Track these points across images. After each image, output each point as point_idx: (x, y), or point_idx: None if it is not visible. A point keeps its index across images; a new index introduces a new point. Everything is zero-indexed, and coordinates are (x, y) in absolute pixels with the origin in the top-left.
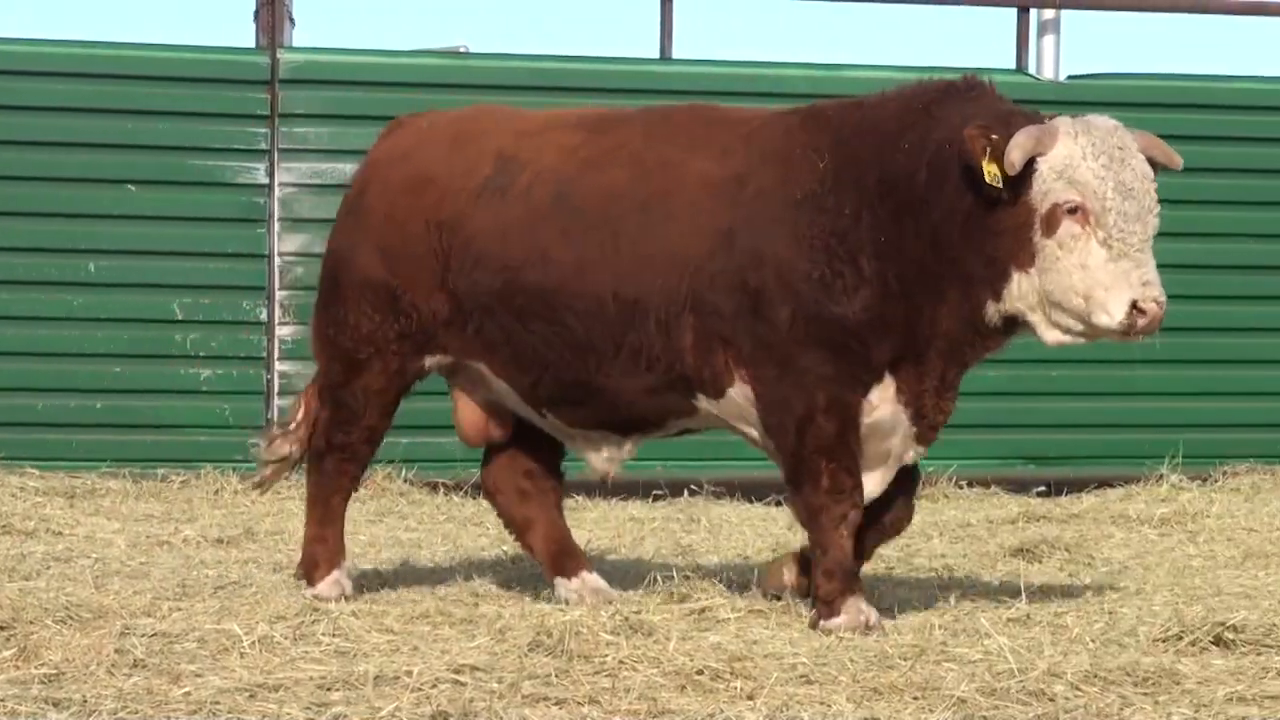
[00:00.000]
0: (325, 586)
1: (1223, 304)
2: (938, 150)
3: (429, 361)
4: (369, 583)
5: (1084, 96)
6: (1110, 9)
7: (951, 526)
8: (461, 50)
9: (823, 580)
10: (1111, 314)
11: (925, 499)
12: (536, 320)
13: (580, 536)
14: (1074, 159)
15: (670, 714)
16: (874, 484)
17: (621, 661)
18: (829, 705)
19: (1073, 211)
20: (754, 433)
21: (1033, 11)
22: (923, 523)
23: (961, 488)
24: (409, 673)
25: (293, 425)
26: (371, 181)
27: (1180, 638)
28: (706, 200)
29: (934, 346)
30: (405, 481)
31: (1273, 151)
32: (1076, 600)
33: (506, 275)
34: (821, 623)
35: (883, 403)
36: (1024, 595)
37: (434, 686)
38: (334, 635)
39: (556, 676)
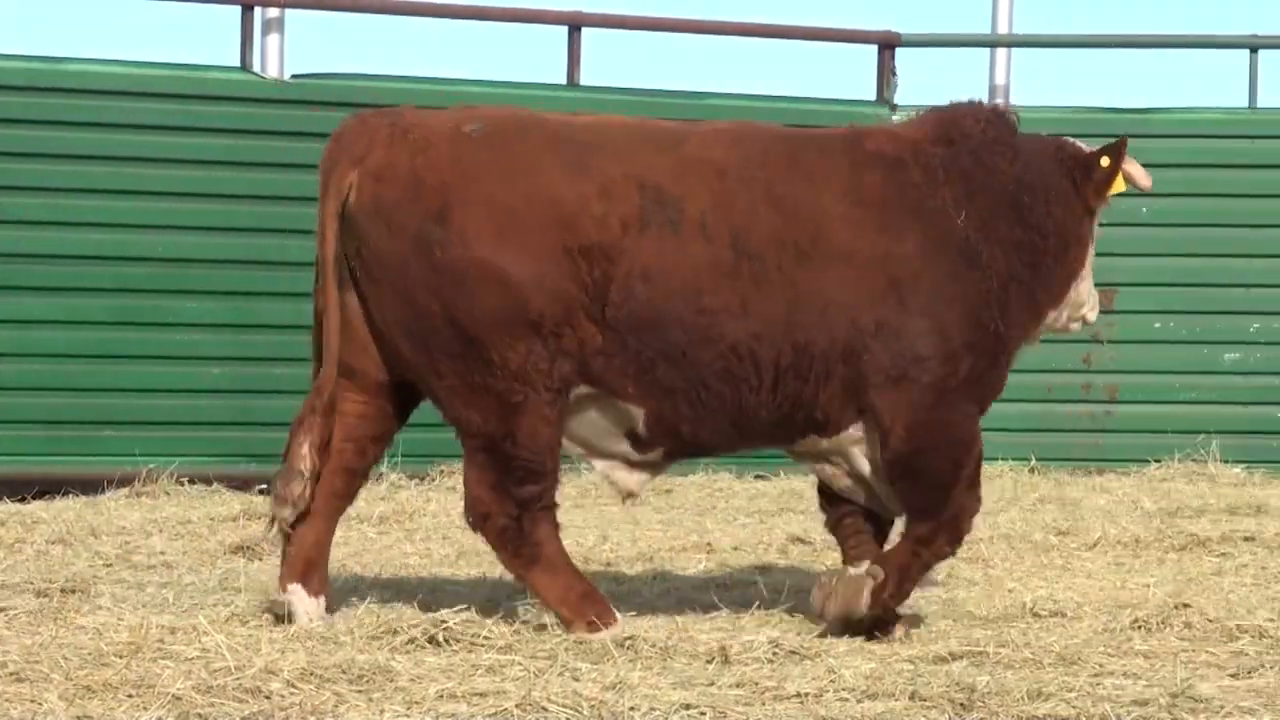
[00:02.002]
0: (616, 628)
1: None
2: (1024, 175)
3: (574, 395)
4: None
5: (307, 95)
6: (335, 9)
7: (172, 524)
8: None
9: (899, 593)
10: (1097, 312)
11: (146, 495)
12: (723, 367)
13: None
14: None
15: None
16: None
17: None
18: (40, 703)
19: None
20: (834, 469)
21: (256, 10)
22: (142, 520)
23: (183, 485)
24: None
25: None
26: (454, 204)
27: (395, 634)
28: (858, 249)
29: None
30: None
31: None
32: None
33: (705, 320)
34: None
35: None
36: (244, 593)
37: None
38: None
39: None
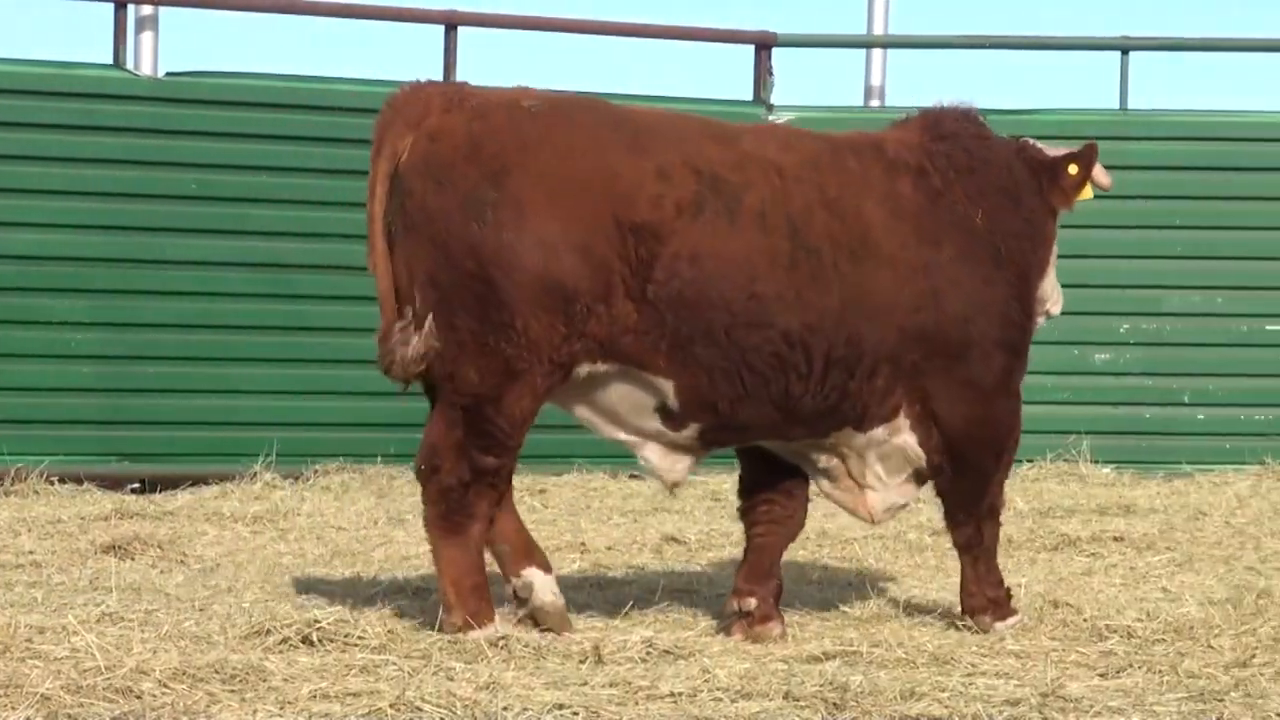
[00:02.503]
0: (489, 630)
1: (311, 304)
2: (1010, 167)
3: (582, 371)
4: None
5: (181, 94)
6: (209, 7)
7: (42, 523)
8: None
9: (995, 588)
10: (1060, 306)
11: (14, 494)
12: (771, 352)
13: None
14: None
15: None
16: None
17: None
18: None
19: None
20: (837, 466)
21: (130, 7)
22: (11, 519)
23: (53, 484)
24: None
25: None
26: (511, 169)
27: (269, 634)
28: (901, 254)
29: None
30: None
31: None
32: (168, 597)
33: (755, 305)
34: (999, 625)
35: None
36: (115, 592)
37: None
38: None
39: None
